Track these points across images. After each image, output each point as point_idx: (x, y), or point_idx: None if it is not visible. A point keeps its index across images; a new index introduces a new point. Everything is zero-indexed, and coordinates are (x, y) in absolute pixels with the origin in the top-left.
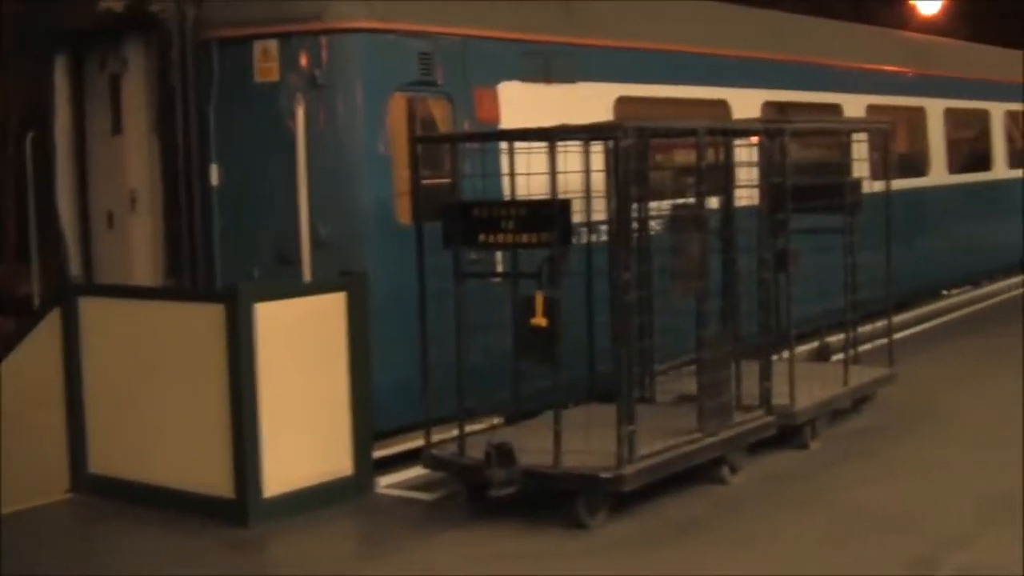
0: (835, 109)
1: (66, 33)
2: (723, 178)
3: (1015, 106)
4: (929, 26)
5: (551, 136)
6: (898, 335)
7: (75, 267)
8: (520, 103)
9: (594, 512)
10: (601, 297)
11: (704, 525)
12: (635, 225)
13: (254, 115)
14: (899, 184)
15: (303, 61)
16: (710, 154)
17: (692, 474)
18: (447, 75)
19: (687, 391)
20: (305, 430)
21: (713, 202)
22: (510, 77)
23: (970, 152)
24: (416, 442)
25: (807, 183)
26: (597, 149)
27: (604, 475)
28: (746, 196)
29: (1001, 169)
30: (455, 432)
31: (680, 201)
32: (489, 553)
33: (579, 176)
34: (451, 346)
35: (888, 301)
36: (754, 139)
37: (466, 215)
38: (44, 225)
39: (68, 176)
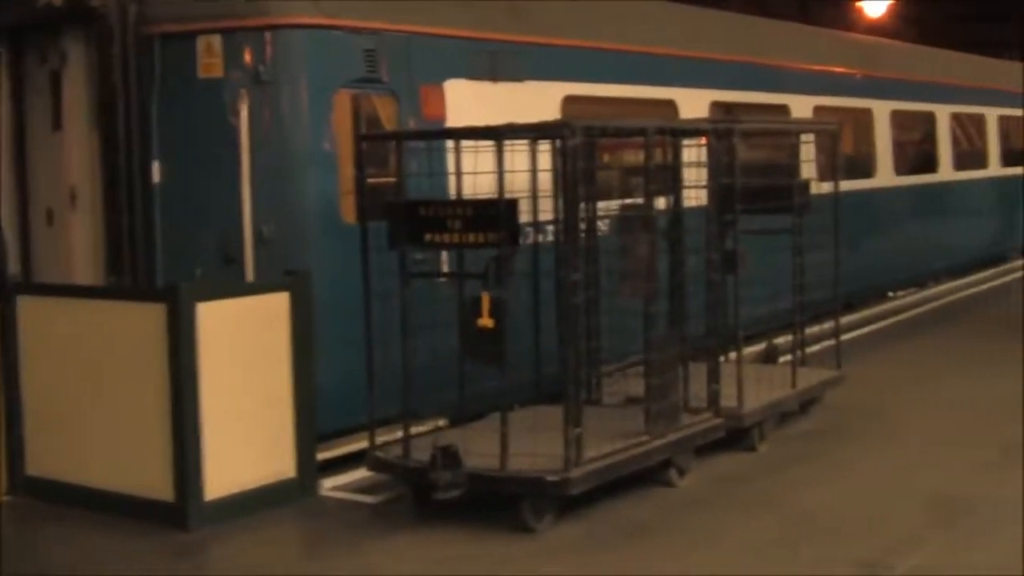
0: (782, 110)
1: (5, 27)
2: (671, 178)
3: (960, 108)
4: (875, 28)
5: (498, 135)
6: (845, 337)
7: (13, 265)
8: (467, 101)
9: (541, 515)
10: (548, 298)
11: (652, 528)
12: (583, 225)
13: (197, 112)
14: (846, 186)
15: (247, 57)
16: (658, 154)
17: (639, 477)
18: (393, 72)
19: (634, 393)
20: (247, 432)
21: (661, 203)
22: (457, 75)
23: (916, 154)
24: (361, 444)
25: (756, 184)
26: (544, 148)
27: (551, 478)
28: (694, 197)
29: (947, 171)
30: (400, 434)
31: (628, 201)
32: (434, 557)
33: (526, 175)
34: (397, 347)
35: (836, 303)
36: (702, 139)
37: (412, 214)
38: None
39: (7, 172)
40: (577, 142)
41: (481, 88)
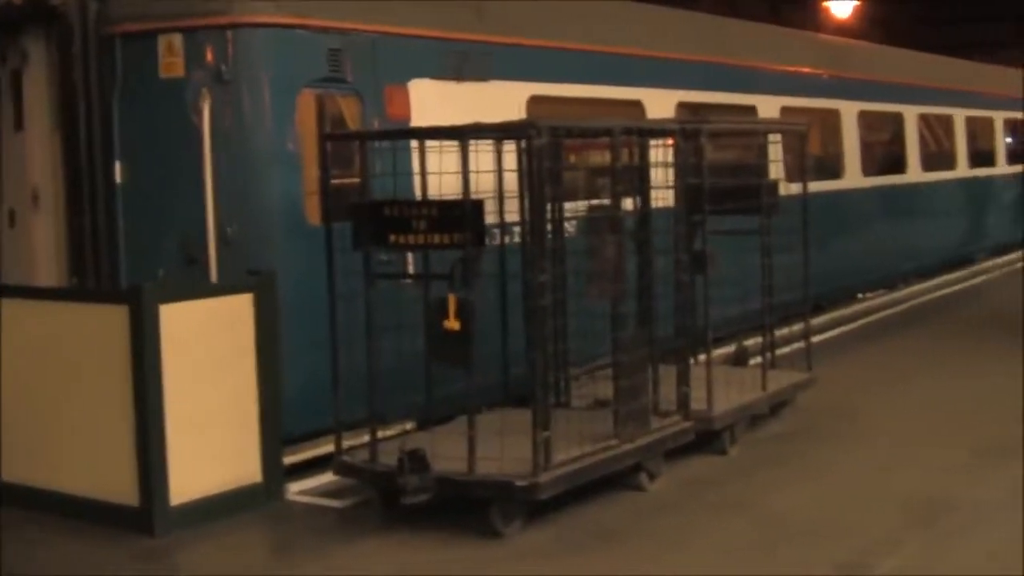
0: (749, 110)
1: None
2: (638, 179)
3: (928, 109)
4: (843, 29)
5: (463, 135)
6: (815, 338)
7: None
8: (431, 101)
9: (509, 520)
10: (515, 299)
11: (622, 533)
12: (549, 227)
13: (159, 111)
14: (814, 187)
15: (209, 56)
16: (625, 155)
17: (609, 481)
18: (357, 72)
19: (603, 395)
20: (213, 436)
21: (629, 203)
22: (421, 75)
23: (884, 155)
24: (327, 447)
25: (724, 184)
26: (510, 148)
27: (519, 483)
28: (662, 197)
29: (915, 172)
30: (367, 437)
31: (595, 202)
32: (401, 562)
33: (492, 176)
34: (362, 349)
35: (805, 304)
36: (669, 140)
37: (376, 215)
38: None
39: None
40: (543, 142)
41: (446, 88)
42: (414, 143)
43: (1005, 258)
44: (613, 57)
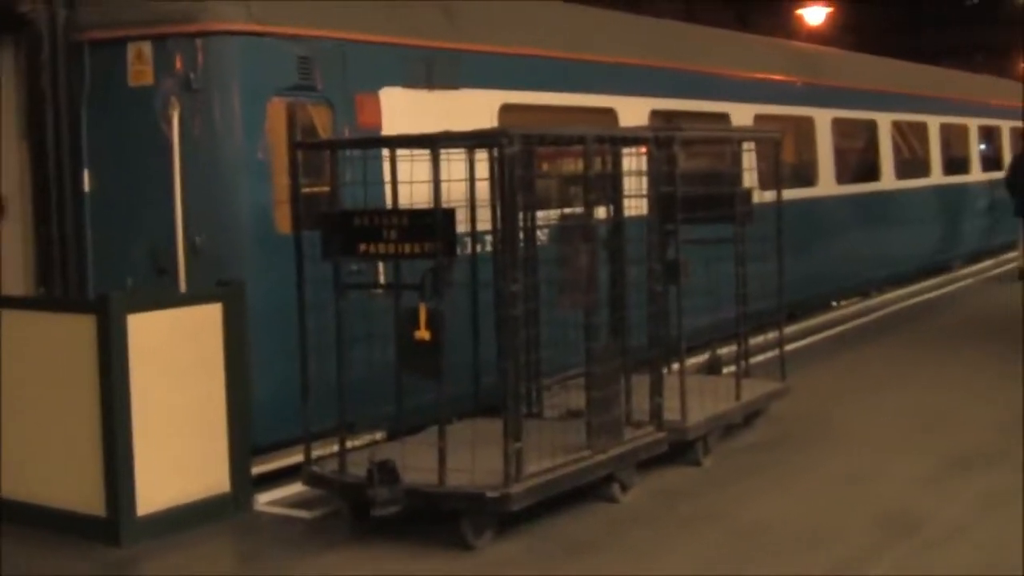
0: (723, 118)
1: None
2: (611, 188)
3: (902, 116)
4: (816, 36)
5: (434, 143)
6: (789, 347)
7: None
8: (402, 109)
9: (480, 532)
10: (487, 309)
11: (595, 545)
12: (521, 235)
13: (128, 119)
14: (787, 194)
15: (178, 64)
16: (598, 163)
17: (581, 492)
18: (327, 80)
19: (576, 406)
20: (180, 445)
21: (601, 212)
22: (392, 83)
23: (858, 162)
24: (297, 457)
25: (697, 193)
26: (482, 157)
27: (490, 494)
28: (635, 206)
29: (889, 180)
30: (337, 447)
31: (568, 211)
32: (370, 575)
33: (464, 184)
34: (333, 358)
35: (780, 313)
36: (643, 148)
37: (346, 224)
38: None
39: None
40: (515, 150)
41: (417, 96)
42: (385, 151)
43: (980, 265)
44: (586, 65)
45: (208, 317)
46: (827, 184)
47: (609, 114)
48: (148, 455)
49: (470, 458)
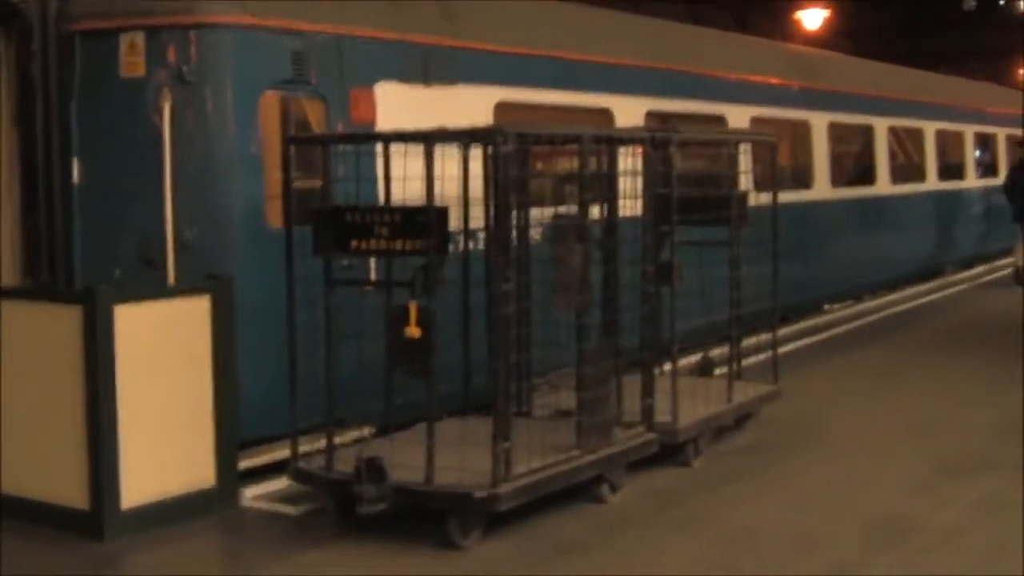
0: (719, 120)
1: None
2: (606, 188)
3: (898, 121)
4: (813, 40)
5: (428, 139)
6: (781, 350)
7: None
8: (397, 105)
9: (468, 532)
10: (478, 307)
11: (584, 546)
12: (515, 234)
13: (119, 111)
14: (782, 197)
15: (171, 56)
16: (593, 163)
17: (570, 492)
18: (321, 74)
19: (566, 405)
20: (166, 439)
21: (595, 212)
22: (387, 78)
23: (854, 167)
24: (284, 452)
25: (693, 195)
26: (476, 154)
27: (478, 494)
28: (629, 206)
29: (884, 184)
30: (324, 443)
31: (562, 210)
32: (355, 573)
33: (457, 182)
34: (321, 354)
35: (774, 316)
36: (638, 149)
37: (338, 220)
38: None
39: None
40: (510, 148)
41: (412, 92)
42: (379, 147)
43: (973, 271)
44: (582, 64)
45: (196, 310)
46: (823, 188)
47: (605, 114)
48: (133, 448)
49: (459, 456)
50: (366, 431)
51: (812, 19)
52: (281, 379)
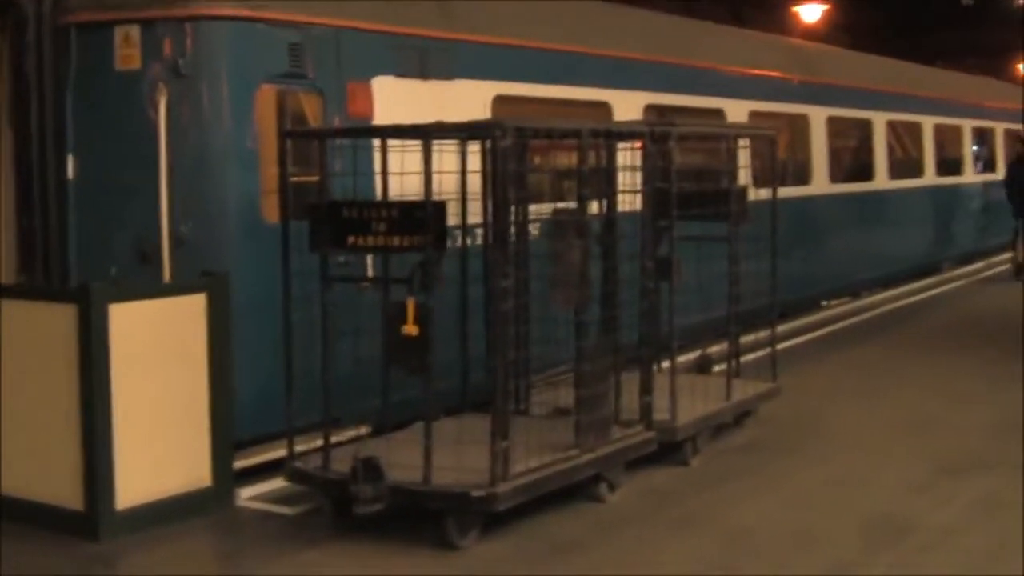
0: (718, 114)
1: None
2: (605, 182)
3: (897, 116)
4: (811, 33)
5: (426, 134)
6: (779, 346)
7: None
8: (395, 99)
9: (465, 532)
10: (476, 304)
11: (582, 546)
12: (513, 230)
13: (114, 105)
14: (780, 192)
15: (167, 49)
16: (592, 157)
17: (568, 491)
18: (318, 68)
19: (564, 403)
20: (161, 438)
21: (594, 207)
22: (385, 72)
23: (852, 162)
24: (280, 451)
25: (692, 190)
26: (474, 149)
27: (476, 493)
28: (628, 202)
29: (883, 180)
30: (321, 442)
31: (561, 205)
32: (351, 573)
33: (455, 177)
34: (318, 352)
35: (772, 313)
36: (638, 143)
37: (335, 215)
38: None
39: None
40: (508, 143)
41: (410, 86)
42: (376, 142)
43: (971, 267)
44: (581, 57)
45: (191, 308)
46: (821, 182)
47: (603, 108)
48: (128, 448)
49: (456, 456)
50: (363, 430)
51: (810, 14)
52: (277, 377)
